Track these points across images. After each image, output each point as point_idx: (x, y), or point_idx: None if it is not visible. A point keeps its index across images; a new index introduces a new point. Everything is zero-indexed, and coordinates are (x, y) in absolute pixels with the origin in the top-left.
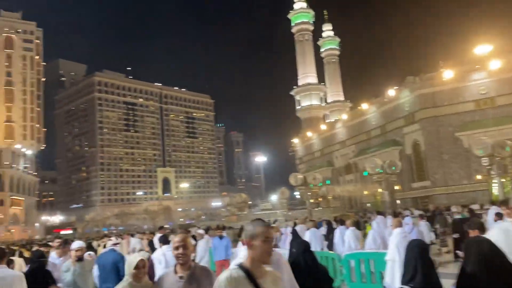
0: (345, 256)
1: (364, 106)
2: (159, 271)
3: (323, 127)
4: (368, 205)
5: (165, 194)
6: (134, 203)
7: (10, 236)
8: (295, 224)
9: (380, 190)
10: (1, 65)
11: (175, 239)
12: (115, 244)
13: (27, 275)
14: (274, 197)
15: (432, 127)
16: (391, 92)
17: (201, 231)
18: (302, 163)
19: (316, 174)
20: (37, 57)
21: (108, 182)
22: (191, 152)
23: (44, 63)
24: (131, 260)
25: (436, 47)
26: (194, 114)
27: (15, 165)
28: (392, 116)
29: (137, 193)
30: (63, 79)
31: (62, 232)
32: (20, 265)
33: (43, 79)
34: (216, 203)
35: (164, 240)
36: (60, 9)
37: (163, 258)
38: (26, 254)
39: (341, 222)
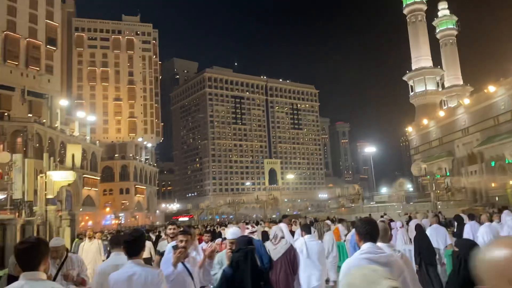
0: None
1: (491, 88)
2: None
3: (441, 113)
4: (496, 198)
5: (271, 185)
6: (243, 193)
7: (135, 222)
8: (410, 218)
9: None
10: (124, 65)
11: None
12: (252, 233)
13: (232, 268)
14: (384, 190)
15: None
16: None
17: (328, 222)
18: (417, 153)
19: (442, 163)
20: (154, 56)
21: (219, 173)
22: (296, 144)
23: (160, 62)
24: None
25: None
26: (299, 105)
27: (138, 157)
28: None
29: (246, 184)
30: (177, 76)
31: (181, 219)
32: (149, 248)
33: (160, 77)
34: (322, 195)
35: (307, 229)
36: (172, 10)
37: (305, 248)
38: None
39: (471, 217)
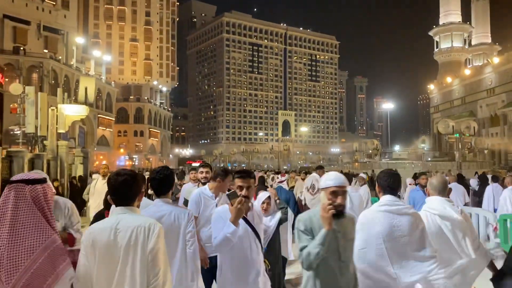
0: None
1: None
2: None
3: (467, 72)
4: None
5: (284, 137)
6: (255, 143)
7: (148, 164)
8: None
9: None
10: (142, 4)
11: None
12: (281, 182)
13: None
14: (397, 147)
15: None
16: None
17: (363, 175)
18: (437, 111)
19: (470, 122)
20: None
21: (232, 122)
22: (312, 96)
23: (178, 3)
24: None
25: None
26: (318, 57)
27: (152, 100)
28: None
29: (259, 134)
30: (194, 19)
31: (194, 164)
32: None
33: (177, 19)
34: (334, 149)
35: (349, 180)
36: None
37: (348, 198)
38: None
39: (494, 178)
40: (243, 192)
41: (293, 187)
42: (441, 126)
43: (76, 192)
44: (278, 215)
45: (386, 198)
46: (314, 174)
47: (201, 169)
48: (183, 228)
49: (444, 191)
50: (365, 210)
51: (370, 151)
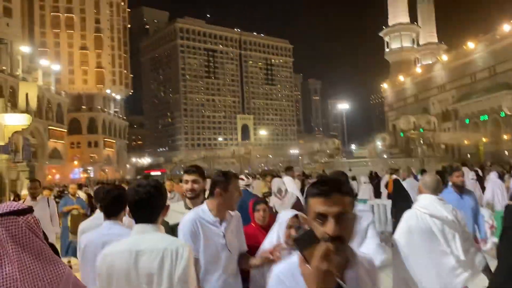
0: None
1: (470, 45)
2: None
3: (418, 70)
4: (468, 156)
5: (244, 141)
6: (215, 148)
7: (104, 176)
8: (370, 174)
9: (484, 139)
10: (91, 11)
11: None
12: (247, 185)
13: None
14: (353, 146)
15: None
16: (506, 27)
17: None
18: (391, 110)
19: (431, 118)
20: (122, 3)
21: (191, 128)
22: (269, 99)
23: (129, 10)
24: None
25: None
26: (273, 60)
27: (106, 109)
28: (505, 55)
29: (218, 139)
30: (147, 26)
31: (153, 173)
32: None
33: (129, 26)
34: (294, 151)
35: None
36: None
37: None
38: None
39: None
40: (330, 230)
41: (266, 192)
42: (403, 123)
43: None
44: None
45: None
46: (283, 179)
47: (185, 177)
48: None
49: (437, 190)
50: None
51: (328, 151)
